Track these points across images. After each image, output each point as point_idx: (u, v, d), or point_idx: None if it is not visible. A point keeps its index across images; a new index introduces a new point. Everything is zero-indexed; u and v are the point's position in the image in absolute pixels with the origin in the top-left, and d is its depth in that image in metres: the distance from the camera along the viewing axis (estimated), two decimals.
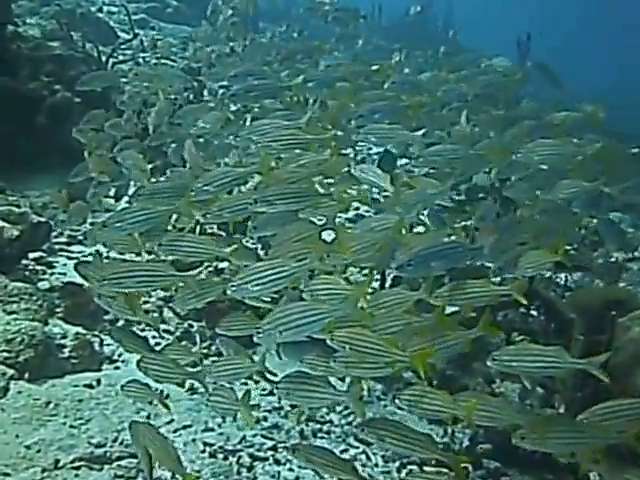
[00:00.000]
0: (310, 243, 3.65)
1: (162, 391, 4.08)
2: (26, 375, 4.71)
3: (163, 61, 11.88)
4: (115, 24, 14.00)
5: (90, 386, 4.82)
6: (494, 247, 3.81)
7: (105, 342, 5.30)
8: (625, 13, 27.36)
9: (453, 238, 4.01)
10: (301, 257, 3.52)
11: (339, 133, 5.23)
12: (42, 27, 10.39)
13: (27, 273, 5.76)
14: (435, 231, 4.53)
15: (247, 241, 6.38)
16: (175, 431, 4.59)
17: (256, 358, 3.86)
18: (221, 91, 8.34)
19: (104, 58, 9.78)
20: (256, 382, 5.11)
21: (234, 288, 3.33)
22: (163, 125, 5.78)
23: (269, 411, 4.88)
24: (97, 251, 6.15)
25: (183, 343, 5.46)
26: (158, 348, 5.29)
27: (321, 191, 4.11)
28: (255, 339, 3.17)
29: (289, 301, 3.63)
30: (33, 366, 4.76)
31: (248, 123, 7.05)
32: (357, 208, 7.63)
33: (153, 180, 5.46)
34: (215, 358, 5.11)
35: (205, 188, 4.21)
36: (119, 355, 5.26)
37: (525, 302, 3.79)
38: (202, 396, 4.85)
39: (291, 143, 4.43)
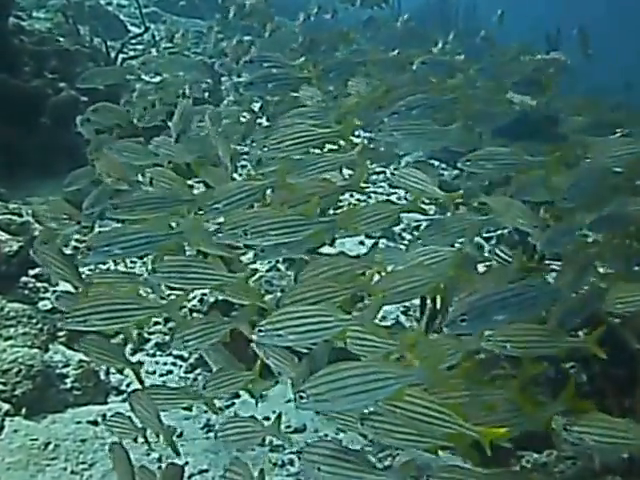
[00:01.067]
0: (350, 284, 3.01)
1: (144, 428, 3.53)
2: (23, 411, 4.24)
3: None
4: (125, 17, 13.52)
5: (94, 423, 4.31)
6: (574, 285, 3.15)
7: (112, 371, 4.76)
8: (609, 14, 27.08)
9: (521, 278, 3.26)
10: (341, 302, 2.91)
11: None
12: (48, 20, 9.85)
13: (26, 292, 5.20)
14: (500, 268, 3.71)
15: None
16: (190, 476, 4.06)
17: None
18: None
19: (113, 54, 9.25)
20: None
21: (262, 333, 2.71)
22: (188, 130, 5.03)
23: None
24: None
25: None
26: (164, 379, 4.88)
27: (322, 219, 3.52)
28: (297, 406, 2.43)
29: (320, 353, 3.02)
30: (31, 400, 4.31)
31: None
32: None
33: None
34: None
35: (215, 206, 3.64)
36: (127, 385, 4.72)
37: (605, 357, 3.22)
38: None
39: (303, 142, 3.88)
